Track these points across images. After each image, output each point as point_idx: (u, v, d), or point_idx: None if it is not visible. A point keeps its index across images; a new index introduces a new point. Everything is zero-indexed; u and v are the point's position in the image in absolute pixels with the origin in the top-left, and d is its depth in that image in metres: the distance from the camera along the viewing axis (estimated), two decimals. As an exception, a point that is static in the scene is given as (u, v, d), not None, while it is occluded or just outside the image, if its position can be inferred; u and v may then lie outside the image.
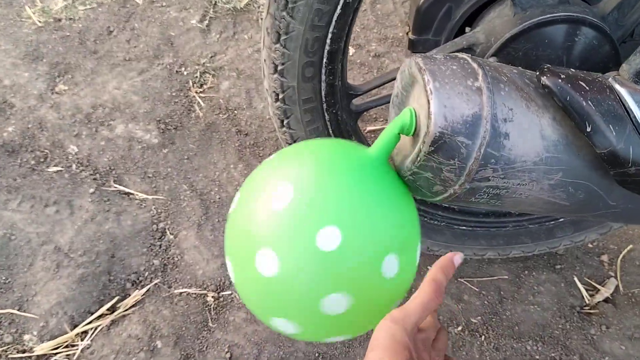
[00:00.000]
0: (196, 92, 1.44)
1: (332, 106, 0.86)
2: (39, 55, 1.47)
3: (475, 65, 0.51)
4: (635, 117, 0.51)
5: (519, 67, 0.56)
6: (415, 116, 0.53)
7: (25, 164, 1.26)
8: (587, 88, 0.50)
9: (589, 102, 0.49)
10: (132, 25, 1.57)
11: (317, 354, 1.07)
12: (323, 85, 0.81)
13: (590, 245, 1.27)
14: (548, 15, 0.71)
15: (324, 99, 0.83)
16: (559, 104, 0.50)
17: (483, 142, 0.49)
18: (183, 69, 1.49)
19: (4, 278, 1.11)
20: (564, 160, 0.52)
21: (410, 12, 0.89)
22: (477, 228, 1.10)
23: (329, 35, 0.74)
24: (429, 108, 0.49)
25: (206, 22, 1.60)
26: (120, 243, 1.18)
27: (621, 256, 1.25)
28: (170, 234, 1.21)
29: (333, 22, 0.73)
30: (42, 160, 1.28)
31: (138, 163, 1.30)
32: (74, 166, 1.28)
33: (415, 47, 0.89)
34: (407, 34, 0.91)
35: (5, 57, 1.45)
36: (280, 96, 0.81)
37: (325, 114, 0.86)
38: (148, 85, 1.44)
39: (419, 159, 0.51)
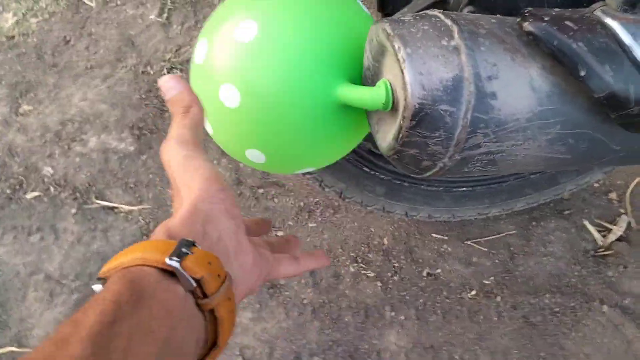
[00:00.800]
0: (166, 91, 1.37)
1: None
2: (-3, 77, 1.40)
3: (448, 22, 0.45)
4: (631, 51, 0.45)
5: (498, 16, 0.50)
6: (392, 89, 0.48)
7: (1, 195, 1.21)
8: (576, 28, 0.45)
9: (579, 43, 0.44)
10: (89, 31, 1.49)
11: (330, 342, 1.03)
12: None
13: (596, 185, 1.22)
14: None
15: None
16: (546, 50, 0.45)
17: (468, 106, 0.44)
18: (149, 68, 1.41)
19: (-2, 316, 1.06)
20: (559, 111, 0.47)
21: (374, -31, 0.83)
22: (477, 187, 1.05)
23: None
24: (403, 78, 0.44)
25: (165, 15, 1.52)
26: (112, 260, 1.13)
27: (629, 191, 1.20)
28: (162, 242, 1.16)
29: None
30: (17, 187, 1.22)
31: (117, 175, 1.25)
32: (51, 189, 1.22)
33: (385, 6, 0.83)
34: (373, -5, 0.85)
35: (-38, 85, 1.38)
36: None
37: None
38: (115, 91, 1.37)
39: (400, 135, 0.46)
